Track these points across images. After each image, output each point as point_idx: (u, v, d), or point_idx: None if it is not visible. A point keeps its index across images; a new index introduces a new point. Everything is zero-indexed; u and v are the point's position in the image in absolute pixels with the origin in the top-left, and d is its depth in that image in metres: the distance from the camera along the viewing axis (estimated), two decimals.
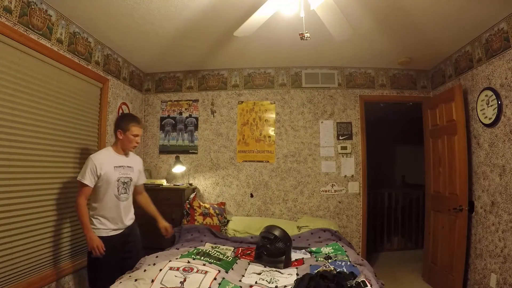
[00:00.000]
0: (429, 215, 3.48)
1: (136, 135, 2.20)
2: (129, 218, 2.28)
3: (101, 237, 2.05)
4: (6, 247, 1.92)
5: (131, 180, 2.23)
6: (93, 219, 2.10)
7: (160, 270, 1.84)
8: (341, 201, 3.61)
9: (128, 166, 2.22)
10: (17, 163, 2.03)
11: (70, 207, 2.51)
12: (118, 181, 2.13)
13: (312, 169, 3.66)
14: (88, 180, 2.03)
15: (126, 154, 2.26)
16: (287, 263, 2.20)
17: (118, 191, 2.14)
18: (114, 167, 2.13)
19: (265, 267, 2.18)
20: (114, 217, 2.14)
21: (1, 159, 1.92)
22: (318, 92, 3.75)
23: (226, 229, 3.29)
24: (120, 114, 2.26)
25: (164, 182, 3.50)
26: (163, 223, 2.47)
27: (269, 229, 2.29)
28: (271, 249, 2.21)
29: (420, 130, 3.74)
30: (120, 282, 1.74)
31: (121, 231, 2.20)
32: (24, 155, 2.09)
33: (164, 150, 3.83)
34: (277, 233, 2.23)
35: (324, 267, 2.02)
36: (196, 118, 3.83)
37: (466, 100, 2.96)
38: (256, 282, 1.89)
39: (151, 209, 2.53)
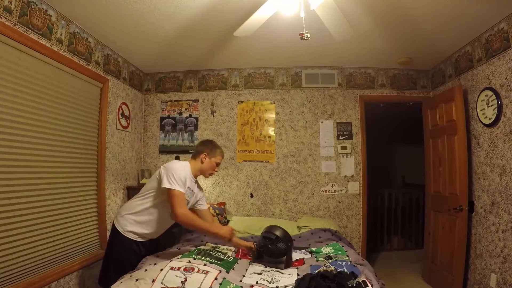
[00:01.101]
0: (429, 215, 3.48)
1: (218, 164, 2.20)
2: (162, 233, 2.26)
3: (133, 241, 2.02)
4: (6, 247, 1.91)
5: (188, 203, 2.13)
6: (136, 222, 2.03)
7: (161, 270, 1.84)
8: (341, 201, 3.61)
9: (192, 191, 2.13)
10: (17, 163, 2.03)
11: (70, 207, 2.51)
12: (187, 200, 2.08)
13: (312, 169, 3.66)
14: (182, 186, 1.95)
15: (196, 177, 2.19)
16: (288, 263, 2.20)
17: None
18: (187, 187, 2.04)
19: (265, 267, 2.18)
20: (158, 232, 2.12)
21: (1, 159, 1.91)
22: (318, 92, 3.75)
23: None
24: (206, 140, 2.27)
25: None
26: (244, 243, 2.36)
27: (270, 229, 2.28)
28: (272, 249, 2.21)
29: (420, 130, 3.74)
30: (121, 282, 1.74)
31: (150, 239, 2.17)
32: (24, 155, 2.09)
33: (164, 150, 3.83)
34: (278, 233, 2.22)
35: (324, 267, 2.01)
36: (196, 118, 3.83)
37: (466, 100, 2.97)
38: (257, 282, 1.89)
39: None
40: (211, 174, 2.21)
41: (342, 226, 3.57)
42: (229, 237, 2.10)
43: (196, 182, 2.21)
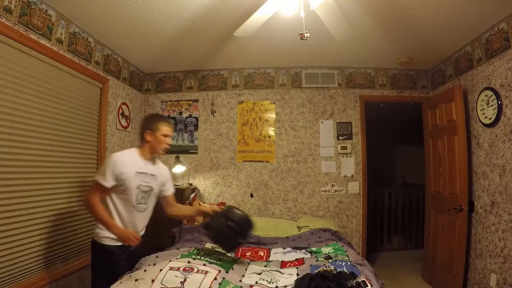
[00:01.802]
0: (429, 215, 3.48)
1: (166, 135, 1.98)
2: (141, 232, 2.02)
3: (103, 246, 1.84)
4: (6, 247, 1.92)
5: (151, 190, 1.98)
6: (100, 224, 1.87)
7: (161, 270, 1.84)
8: (341, 201, 3.61)
9: (151, 174, 1.97)
10: (17, 163, 2.03)
11: (70, 206, 2.51)
12: (138, 188, 1.89)
13: (312, 169, 3.66)
14: (106, 180, 1.79)
15: (153, 161, 2.02)
16: (231, 248, 2.21)
17: (136, 200, 1.90)
18: (136, 173, 1.88)
19: (249, 263, 2.18)
20: (128, 227, 1.91)
21: (1, 159, 1.92)
22: (318, 92, 3.75)
23: None
24: (146, 115, 2.07)
25: None
26: (208, 208, 2.17)
27: (238, 218, 2.07)
28: (224, 237, 2.04)
29: (420, 130, 3.74)
30: (120, 282, 1.74)
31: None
32: (24, 155, 2.09)
33: None
34: (242, 228, 2.07)
35: (324, 267, 2.02)
36: (196, 118, 3.83)
37: (466, 100, 2.96)
38: (256, 282, 1.89)
39: (188, 211, 2.36)
40: (165, 149, 2.01)
41: (342, 226, 3.57)
42: (122, 237, 1.85)
43: (155, 163, 2.04)
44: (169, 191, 2.17)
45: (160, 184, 2.06)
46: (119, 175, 1.81)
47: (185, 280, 1.76)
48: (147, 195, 1.96)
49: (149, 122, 1.97)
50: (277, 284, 1.87)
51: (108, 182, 1.80)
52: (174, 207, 2.21)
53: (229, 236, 2.03)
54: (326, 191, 3.63)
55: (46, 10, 2.24)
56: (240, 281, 1.91)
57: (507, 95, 2.43)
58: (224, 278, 1.84)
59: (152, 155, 2.00)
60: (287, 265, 2.25)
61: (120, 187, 1.84)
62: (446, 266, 3.00)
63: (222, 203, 3.60)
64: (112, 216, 1.87)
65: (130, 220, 1.92)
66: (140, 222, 1.98)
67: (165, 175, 2.12)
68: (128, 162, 1.87)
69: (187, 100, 3.86)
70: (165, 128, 1.97)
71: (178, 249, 2.45)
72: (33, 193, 2.15)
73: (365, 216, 3.60)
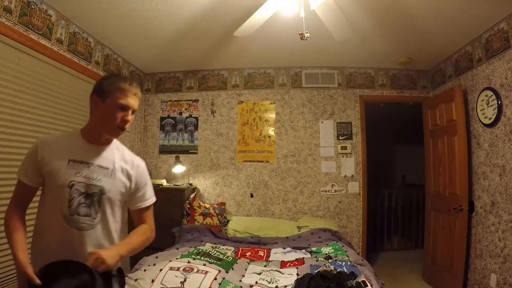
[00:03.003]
0: (429, 215, 3.48)
1: (124, 106, 1.17)
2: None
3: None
4: (6, 247, 1.91)
5: (101, 192, 1.17)
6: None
7: (160, 270, 1.84)
8: (341, 201, 3.61)
9: (100, 166, 1.19)
10: (17, 163, 2.02)
11: None
12: (70, 187, 1.14)
13: (312, 169, 3.66)
14: (24, 173, 1.19)
15: (103, 144, 1.24)
16: None
17: (68, 205, 1.13)
18: (69, 161, 1.16)
19: (265, 266, 2.18)
20: (51, 254, 1.07)
21: (1, 159, 1.92)
22: (318, 92, 3.75)
23: (226, 229, 3.29)
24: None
25: (164, 182, 3.50)
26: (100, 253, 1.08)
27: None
28: None
29: (420, 130, 3.74)
30: None
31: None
32: (24, 155, 2.08)
33: (164, 150, 3.83)
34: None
35: (324, 267, 2.02)
36: (196, 118, 3.83)
37: (466, 100, 2.96)
38: (256, 282, 1.89)
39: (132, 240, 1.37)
40: (120, 129, 1.19)
41: (342, 226, 3.57)
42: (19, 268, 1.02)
43: (114, 149, 1.27)
44: (147, 201, 1.40)
45: (124, 185, 1.24)
46: (40, 163, 1.15)
47: (185, 280, 1.76)
48: (90, 201, 1.16)
49: (101, 84, 1.21)
50: (277, 284, 1.87)
51: (29, 178, 1.18)
52: (139, 228, 1.43)
53: None
54: (326, 191, 3.63)
55: (46, 10, 2.24)
56: (240, 281, 1.91)
57: (507, 95, 2.43)
58: (224, 278, 1.84)
59: (102, 137, 1.21)
60: (287, 265, 2.26)
61: (45, 187, 1.22)
62: (446, 266, 3.00)
63: (222, 203, 3.60)
64: (41, 237, 1.19)
65: (61, 244, 1.13)
66: (84, 249, 1.12)
67: (139, 172, 1.30)
68: (59, 145, 1.19)
69: (187, 100, 3.86)
70: (121, 94, 1.17)
71: (178, 249, 2.46)
72: None
73: (365, 216, 3.60)
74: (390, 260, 4.12)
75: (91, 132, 1.22)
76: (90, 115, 1.25)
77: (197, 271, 1.85)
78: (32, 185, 1.22)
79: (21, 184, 1.21)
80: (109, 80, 1.22)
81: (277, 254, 2.54)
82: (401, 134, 6.22)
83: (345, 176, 3.63)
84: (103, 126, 1.20)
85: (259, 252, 2.60)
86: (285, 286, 1.81)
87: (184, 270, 1.86)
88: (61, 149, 1.18)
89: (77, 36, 2.60)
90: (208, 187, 3.74)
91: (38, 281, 0.97)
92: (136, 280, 1.76)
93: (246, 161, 3.72)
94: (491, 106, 2.59)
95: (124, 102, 1.18)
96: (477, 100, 2.78)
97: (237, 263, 2.22)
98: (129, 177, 1.26)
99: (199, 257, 2.12)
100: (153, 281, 1.75)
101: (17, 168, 1.85)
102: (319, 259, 2.32)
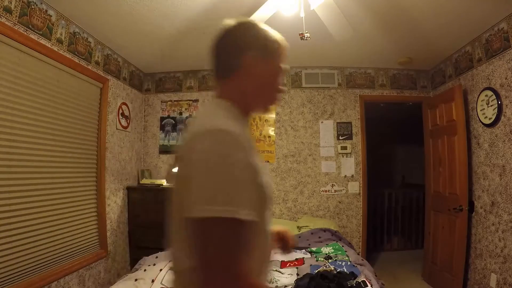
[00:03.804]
0: (429, 215, 3.48)
1: (283, 73, 0.86)
2: None
3: None
4: (6, 247, 1.91)
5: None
6: None
7: (160, 270, 1.84)
8: (341, 201, 3.61)
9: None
10: (17, 163, 2.03)
11: (70, 207, 2.51)
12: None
13: (312, 169, 3.66)
14: (250, 205, 0.64)
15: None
16: None
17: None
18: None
19: None
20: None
21: (1, 159, 1.91)
22: (318, 92, 3.75)
23: None
24: (237, 23, 0.82)
25: (164, 182, 3.50)
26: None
27: None
28: None
29: (420, 130, 3.74)
30: (121, 282, 1.74)
31: None
32: (24, 155, 2.09)
33: (164, 150, 3.83)
34: None
35: (324, 267, 2.02)
36: None
37: (466, 100, 2.96)
38: None
39: None
40: (276, 100, 0.86)
41: (342, 226, 3.57)
42: None
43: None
44: None
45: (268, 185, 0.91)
46: (261, 185, 0.72)
47: None
48: None
49: (263, 39, 0.82)
50: (277, 284, 1.87)
51: (254, 209, 0.67)
52: None
53: None
54: (326, 191, 3.63)
55: (46, 10, 2.24)
56: None
57: (507, 95, 2.43)
58: None
59: (252, 112, 0.86)
60: (287, 265, 2.25)
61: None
62: (446, 266, 3.00)
63: None
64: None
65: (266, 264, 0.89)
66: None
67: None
68: (252, 147, 0.75)
69: (187, 100, 3.86)
70: (284, 54, 0.86)
71: None
72: (33, 193, 2.14)
73: (365, 216, 3.60)
74: (390, 260, 4.12)
75: (243, 107, 0.80)
76: (237, 82, 0.80)
77: None
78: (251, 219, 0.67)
79: (244, 225, 0.63)
80: (271, 35, 0.83)
81: (277, 254, 2.54)
82: (401, 134, 6.22)
83: (345, 176, 3.63)
84: (261, 96, 0.83)
85: None
86: (285, 286, 1.81)
87: None
88: (254, 151, 0.74)
89: (77, 36, 2.60)
90: None
91: None
92: (136, 280, 1.76)
93: None
94: (491, 106, 2.59)
95: (285, 67, 0.85)
96: (477, 100, 2.78)
97: None
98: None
99: None
100: (153, 281, 1.75)
101: (17, 167, 1.81)
102: (319, 259, 2.32)
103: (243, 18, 0.82)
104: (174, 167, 0.75)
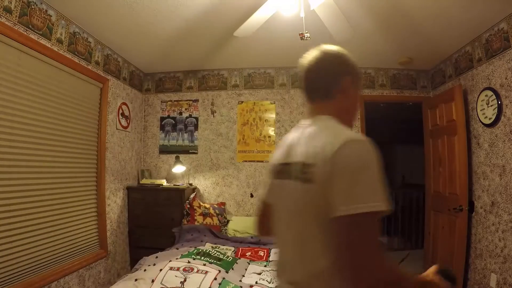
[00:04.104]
0: (429, 215, 3.48)
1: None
2: None
3: None
4: (6, 247, 1.92)
5: None
6: None
7: (160, 270, 1.84)
8: None
9: None
10: (17, 163, 2.03)
11: (70, 206, 2.51)
12: None
13: None
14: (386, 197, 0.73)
15: None
16: None
17: None
18: None
19: (265, 266, 2.18)
20: None
21: (1, 159, 1.91)
22: None
23: (226, 229, 3.29)
24: (331, 50, 0.93)
25: (164, 182, 3.50)
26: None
27: None
28: None
29: (420, 130, 3.74)
30: (121, 282, 1.74)
31: None
32: (24, 155, 2.09)
33: (164, 150, 3.83)
34: None
35: None
36: (196, 118, 3.83)
37: (466, 100, 2.96)
38: (256, 282, 1.89)
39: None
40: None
41: None
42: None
43: None
44: None
45: None
46: None
47: (185, 280, 1.76)
48: None
49: (353, 64, 0.94)
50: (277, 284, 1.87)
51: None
52: None
53: None
54: None
55: (46, 10, 2.24)
56: (240, 281, 1.91)
57: (507, 95, 2.43)
58: (224, 278, 1.84)
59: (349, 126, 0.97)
60: None
61: None
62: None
63: (222, 203, 3.60)
64: None
65: None
66: None
67: None
68: None
69: (187, 100, 3.86)
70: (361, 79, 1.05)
71: (178, 249, 2.46)
72: (33, 193, 2.15)
73: None
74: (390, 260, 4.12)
75: (345, 123, 0.88)
76: (339, 101, 0.90)
77: (197, 271, 1.85)
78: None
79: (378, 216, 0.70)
80: (355, 62, 0.95)
81: None
82: (401, 134, 6.21)
83: None
84: (353, 114, 0.95)
85: (259, 252, 2.60)
86: None
87: (184, 270, 1.86)
88: None
89: (77, 36, 2.60)
90: (208, 187, 3.74)
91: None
92: (136, 280, 1.76)
93: (246, 161, 3.72)
94: (491, 106, 2.59)
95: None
96: (477, 100, 2.78)
97: (237, 263, 2.22)
98: None
99: (199, 257, 2.12)
100: (153, 281, 1.75)
101: (17, 167, 1.82)
102: None
103: (335, 46, 0.94)
104: (280, 176, 0.86)
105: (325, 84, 0.89)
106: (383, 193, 0.69)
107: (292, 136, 0.93)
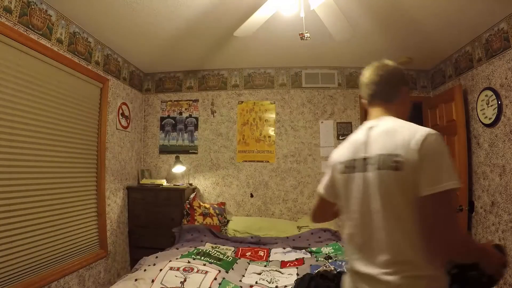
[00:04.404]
0: None
1: None
2: None
3: None
4: (6, 247, 1.92)
5: None
6: None
7: (160, 270, 1.84)
8: None
9: None
10: (17, 163, 2.03)
11: (70, 206, 2.51)
12: None
13: (312, 169, 3.66)
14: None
15: None
16: None
17: None
18: None
19: (265, 266, 2.18)
20: None
21: (1, 159, 1.91)
22: (318, 92, 3.75)
23: (226, 229, 3.29)
24: (391, 64, 1.24)
25: (164, 182, 3.50)
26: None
27: None
28: None
29: None
30: (121, 282, 1.74)
31: None
32: (24, 155, 2.09)
33: (164, 150, 3.83)
34: None
35: (324, 267, 2.02)
36: (196, 118, 3.83)
37: (466, 100, 2.96)
38: (256, 282, 1.89)
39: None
40: None
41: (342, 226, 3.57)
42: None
43: None
44: None
45: None
46: None
47: (185, 280, 1.76)
48: None
49: (406, 75, 1.19)
50: (277, 284, 1.87)
51: None
52: None
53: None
54: None
55: (46, 10, 2.24)
56: (240, 281, 1.91)
57: (507, 95, 2.43)
58: (224, 278, 1.84)
59: None
60: (287, 265, 2.26)
61: None
62: None
63: (222, 203, 3.60)
64: None
65: None
66: None
67: None
68: None
69: (187, 100, 3.86)
70: None
71: (178, 249, 2.46)
72: (33, 193, 2.15)
73: None
74: None
75: None
76: (398, 106, 1.11)
77: (197, 271, 1.86)
78: None
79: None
80: (407, 74, 1.24)
81: (277, 254, 2.54)
82: None
83: None
84: (406, 116, 1.11)
85: (259, 252, 2.60)
86: (285, 286, 1.81)
87: (184, 270, 1.86)
88: None
89: (77, 36, 2.60)
90: (208, 187, 3.74)
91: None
92: (136, 280, 1.76)
93: (246, 161, 3.72)
94: (491, 106, 2.59)
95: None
96: (477, 100, 2.78)
97: (237, 263, 2.22)
98: None
99: (199, 257, 2.12)
100: (153, 281, 1.75)
101: (17, 167, 1.84)
102: (319, 259, 2.32)
103: (391, 62, 1.20)
104: (378, 165, 0.95)
105: (388, 92, 1.10)
106: (456, 173, 0.87)
107: (358, 135, 1.11)
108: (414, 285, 0.87)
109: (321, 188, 1.27)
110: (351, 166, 1.06)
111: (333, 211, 1.26)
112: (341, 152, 1.18)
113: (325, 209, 1.27)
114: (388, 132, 0.98)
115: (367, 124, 1.11)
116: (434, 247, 0.85)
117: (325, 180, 1.27)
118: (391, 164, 0.91)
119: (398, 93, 1.10)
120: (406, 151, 0.89)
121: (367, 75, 1.19)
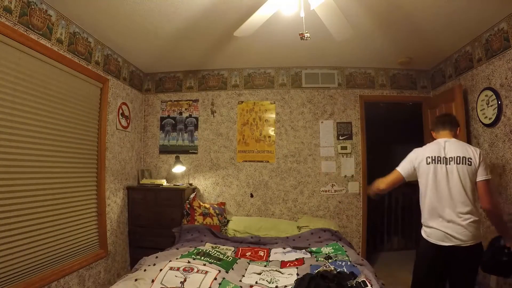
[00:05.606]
0: None
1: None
2: None
3: None
4: (6, 247, 1.92)
5: None
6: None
7: (160, 270, 1.84)
8: (341, 201, 3.61)
9: None
10: (17, 163, 2.03)
11: (70, 207, 2.51)
12: None
13: (312, 169, 3.66)
14: None
15: None
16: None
17: None
18: None
19: (265, 266, 2.18)
20: None
21: (1, 159, 1.91)
22: (318, 92, 3.75)
23: (226, 229, 3.29)
24: (451, 115, 2.16)
25: (164, 182, 3.50)
26: None
27: None
28: None
29: (420, 130, 3.74)
30: (121, 282, 1.74)
31: None
32: (24, 155, 2.09)
33: (164, 150, 3.83)
34: None
35: (324, 267, 2.02)
36: (196, 118, 3.83)
37: (466, 100, 2.96)
38: (256, 282, 1.89)
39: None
40: None
41: (342, 226, 3.57)
42: None
43: None
44: None
45: None
46: None
47: (185, 280, 1.76)
48: None
49: (457, 120, 2.10)
50: (277, 284, 1.87)
51: None
52: None
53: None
54: (326, 191, 3.63)
55: (46, 10, 2.24)
56: (240, 281, 1.91)
57: (507, 95, 2.43)
58: (224, 278, 1.84)
59: None
60: (287, 265, 2.26)
61: None
62: None
63: (222, 203, 3.60)
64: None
65: None
66: None
67: None
68: None
69: (187, 100, 3.86)
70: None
71: (178, 249, 2.46)
72: (33, 193, 2.15)
73: (365, 216, 3.60)
74: (390, 260, 4.12)
75: None
76: (456, 134, 2.00)
77: (197, 271, 1.85)
78: None
79: None
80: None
81: (277, 254, 2.54)
82: (401, 134, 6.21)
83: (345, 176, 3.63)
84: None
85: (259, 252, 2.60)
86: (285, 286, 1.81)
87: (184, 270, 1.86)
88: None
89: (77, 36, 2.60)
90: (208, 187, 3.74)
91: None
92: (136, 280, 1.76)
93: (246, 161, 3.72)
94: (491, 106, 2.59)
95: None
96: (477, 100, 2.78)
97: (237, 263, 2.22)
98: None
99: (199, 257, 2.12)
100: (153, 281, 1.75)
101: (17, 167, 1.84)
102: (319, 259, 2.31)
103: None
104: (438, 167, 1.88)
105: (454, 124, 1.99)
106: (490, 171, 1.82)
107: (436, 145, 1.93)
108: (473, 224, 1.75)
109: (401, 170, 2.03)
110: (436, 160, 1.86)
111: (397, 185, 2.06)
112: (428, 151, 1.92)
113: (396, 183, 2.03)
114: (457, 146, 1.86)
115: (441, 139, 1.94)
116: (481, 205, 1.80)
117: (406, 166, 2.02)
118: (468, 162, 1.79)
119: (457, 126, 2.00)
120: (474, 157, 1.80)
121: (445, 115, 2.12)
